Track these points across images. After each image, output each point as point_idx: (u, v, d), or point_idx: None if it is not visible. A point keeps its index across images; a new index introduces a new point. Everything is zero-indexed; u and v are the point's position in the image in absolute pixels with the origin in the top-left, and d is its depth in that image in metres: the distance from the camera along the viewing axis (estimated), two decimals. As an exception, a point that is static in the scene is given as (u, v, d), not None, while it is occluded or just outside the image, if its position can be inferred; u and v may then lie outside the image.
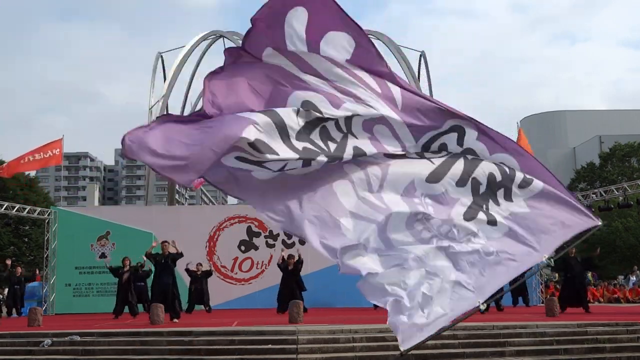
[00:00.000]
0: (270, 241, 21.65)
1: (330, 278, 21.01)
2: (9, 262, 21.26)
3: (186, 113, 31.45)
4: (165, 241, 15.50)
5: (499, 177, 3.94)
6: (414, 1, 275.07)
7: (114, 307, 17.20)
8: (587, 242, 37.21)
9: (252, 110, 3.61)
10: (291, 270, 17.41)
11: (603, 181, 41.40)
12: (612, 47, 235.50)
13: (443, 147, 3.97)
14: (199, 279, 18.92)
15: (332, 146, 3.71)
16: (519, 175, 3.97)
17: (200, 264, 19.25)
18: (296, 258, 17.67)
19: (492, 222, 3.83)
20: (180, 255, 15.32)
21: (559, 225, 3.84)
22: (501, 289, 3.72)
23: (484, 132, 4.01)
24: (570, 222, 3.86)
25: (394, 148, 3.88)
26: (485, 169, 3.94)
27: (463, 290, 3.54)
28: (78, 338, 11.39)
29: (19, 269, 21.52)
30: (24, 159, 21.50)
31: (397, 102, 3.86)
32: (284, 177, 3.66)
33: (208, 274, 19.38)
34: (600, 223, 4.00)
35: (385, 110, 3.82)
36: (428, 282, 3.51)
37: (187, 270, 18.60)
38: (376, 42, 28.37)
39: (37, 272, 23.14)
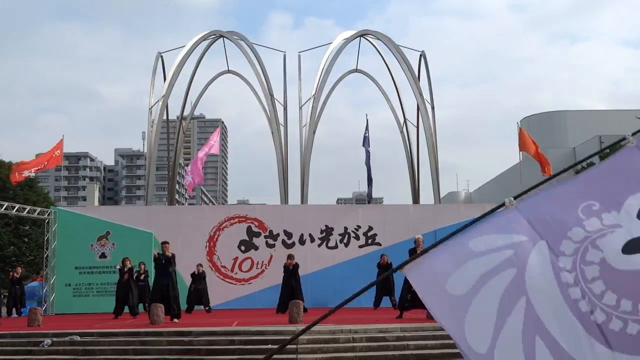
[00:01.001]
0: (270, 241, 21.66)
1: (330, 278, 21.14)
2: (19, 270, 21.40)
3: (186, 113, 31.48)
4: (166, 242, 15.50)
5: None
6: (414, 1, 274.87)
7: (114, 307, 17.21)
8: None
9: None
10: (292, 270, 17.43)
11: (603, 181, 41.37)
12: (611, 47, 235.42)
13: None
14: (199, 279, 18.95)
15: None
16: None
17: (201, 265, 19.28)
18: (294, 259, 17.68)
19: None
20: (172, 257, 15.24)
21: None
22: None
23: None
24: None
25: None
26: None
27: None
28: (78, 338, 11.39)
29: (19, 269, 21.55)
30: (28, 169, 21.75)
31: None
32: None
33: (202, 274, 19.42)
34: None
35: None
36: None
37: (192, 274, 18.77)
38: (376, 42, 28.49)
39: (37, 273, 23.22)
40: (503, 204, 2.46)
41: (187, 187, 26.63)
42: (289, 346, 10.74)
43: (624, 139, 2.43)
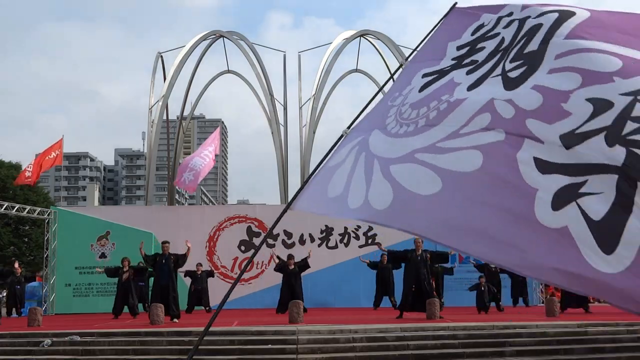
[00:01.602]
0: (270, 241, 21.64)
1: (330, 278, 21.13)
2: (17, 266, 21.34)
3: (186, 113, 31.47)
4: (166, 241, 15.49)
5: None
6: (414, 1, 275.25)
7: (113, 307, 17.17)
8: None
9: None
10: (292, 271, 17.39)
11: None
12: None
13: None
14: (200, 279, 18.92)
15: None
16: None
17: (200, 264, 19.26)
18: (296, 259, 17.63)
19: None
20: (184, 256, 15.26)
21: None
22: None
23: None
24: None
25: None
26: None
27: None
28: (78, 338, 11.38)
29: (19, 269, 21.48)
30: (29, 170, 21.93)
31: None
32: None
33: (210, 273, 19.41)
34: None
35: None
36: None
37: (186, 271, 18.63)
38: (376, 42, 28.50)
39: (36, 273, 23.23)
40: (342, 136, 3.69)
41: (187, 189, 26.62)
42: (289, 346, 10.74)
43: (401, 65, 4.08)
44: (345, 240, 21.82)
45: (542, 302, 19.43)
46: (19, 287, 20.61)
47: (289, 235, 21.69)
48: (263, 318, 15.06)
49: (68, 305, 20.64)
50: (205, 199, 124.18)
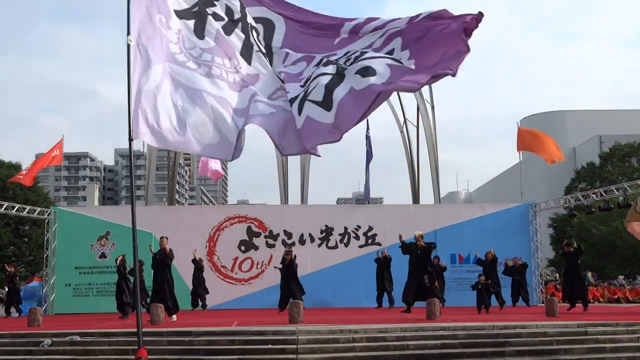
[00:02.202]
0: (270, 241, 21.65)
1: (330, 278, 21.13)
2: (11, 268, 21.26)
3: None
4: (163, 236, 15.45)
5: None
6: (413, 1, 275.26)
7: (117, 306, 17.10)
8: (587, 242, 37.17)
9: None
10: (287, 266, 17.37)
11: (603, 181, 41.39)
12: (612, 47, 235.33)
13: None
14: (198, 271, 19.11)
15: None
16: None
17: (200, 259, 19.32)
18: (292, 255, 17.63)
19: None
20: (169, 256, 15.25)
21: None
22: None
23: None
24: None
25: None
26: None
27: None
28: (78, 338, 11.38)
29: (9, 269, 21.20)
30: (30, 170, 21.99)
31: None
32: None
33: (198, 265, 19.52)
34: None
35: None
36: None
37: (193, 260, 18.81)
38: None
39: (33, 274, 23.11)
40: (129, 45, 6.68)
41: (211, 176, 27.77)
42: (289, 346, 10.73)
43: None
44: (345, 240, 21.82)
45: (542, 302, 19.43)
46: (12, 285, 20.47)
47: (289, 235, 21.69)
48: (263, 318, 15.05)
49: (68, 305, 20.63)
50: (205, 199, 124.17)
